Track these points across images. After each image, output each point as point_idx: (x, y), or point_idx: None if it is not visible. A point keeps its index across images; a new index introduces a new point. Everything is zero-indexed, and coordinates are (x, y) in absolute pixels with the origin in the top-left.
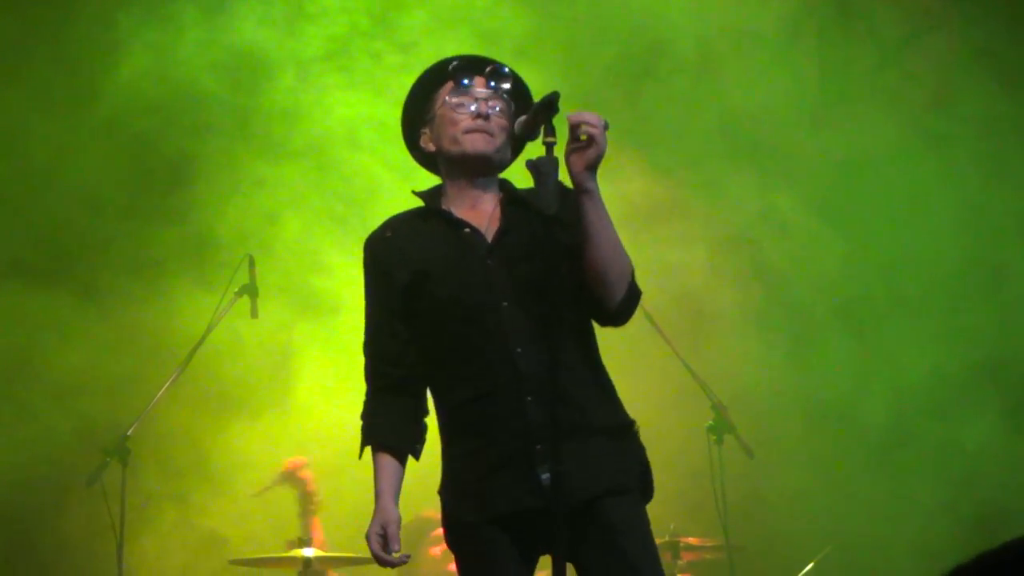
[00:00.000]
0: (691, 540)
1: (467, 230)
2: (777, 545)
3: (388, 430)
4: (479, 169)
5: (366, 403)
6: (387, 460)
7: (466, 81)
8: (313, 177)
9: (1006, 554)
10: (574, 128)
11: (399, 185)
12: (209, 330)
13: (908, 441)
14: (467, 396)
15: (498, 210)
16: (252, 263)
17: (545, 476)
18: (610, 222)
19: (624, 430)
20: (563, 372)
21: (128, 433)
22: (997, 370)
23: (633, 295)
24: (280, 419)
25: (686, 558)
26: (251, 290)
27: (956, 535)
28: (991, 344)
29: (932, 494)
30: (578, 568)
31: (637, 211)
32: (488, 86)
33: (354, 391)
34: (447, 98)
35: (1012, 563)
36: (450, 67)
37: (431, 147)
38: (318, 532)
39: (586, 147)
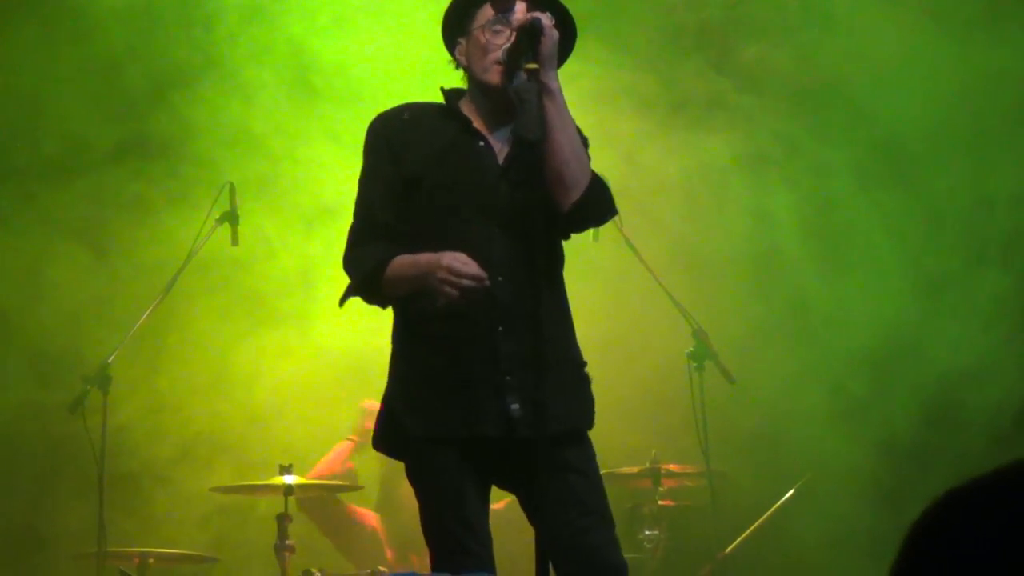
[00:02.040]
0: (672, 467)
1: (482, 143)
2: (758, 472)
3: (383, 250)
4: (503, 98)
5: (347, 253)
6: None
7: (504, 8)
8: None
9: (1000, 479)
10: (524, 27)
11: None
12: (189, 258)
13: (892, 362)
14: (439, 310)
15: (510, 136)
16: (233, 190)
17: (515, 407)
18: (571, 122)
19: (582, 367)
20: (538, 309)
21: (109, 360)
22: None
23: (592, 200)
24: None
25: (667, 485)
26: (231, 217)
27: (935, 460)
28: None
29: (912, 415)
30: (526, 500)
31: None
32: (525, 11)
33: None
34: (487, 22)
35: (1006, 489)
36: None
37: (464, 61)
38: (349, 464)
39: (538, 42)
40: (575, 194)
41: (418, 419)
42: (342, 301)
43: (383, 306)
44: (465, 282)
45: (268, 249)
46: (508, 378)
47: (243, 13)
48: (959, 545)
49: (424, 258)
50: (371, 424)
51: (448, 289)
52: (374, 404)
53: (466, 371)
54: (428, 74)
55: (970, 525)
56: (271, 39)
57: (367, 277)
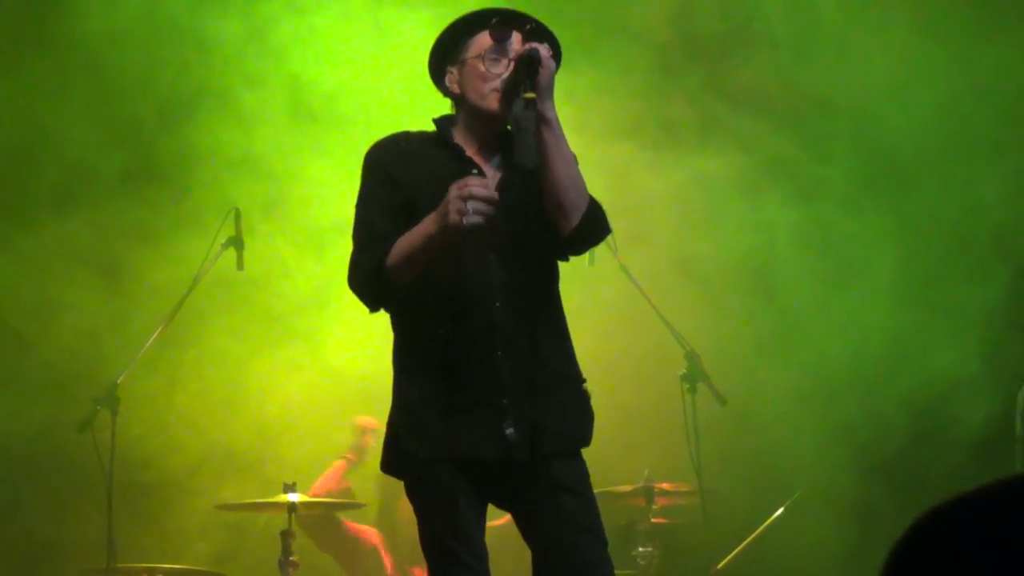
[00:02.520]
0: (665, 486)
1: (475, 172)
2: (749, 490)
3: (383, 248)
4: (499, 126)
5: (351, 270)
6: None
7: (499, 37)
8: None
9: (984, 498)
10: (523, 57)
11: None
12: (196, 282)
13: (882, 379)
14: (439, 334)
15: (501, 163)
16: (238, 215)
17: (510, 431)
18: (568, 150)
19: (582, 383)
20: (536, 331)
21: (118, 381)
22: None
23: (590, 224)
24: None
25: (660, 503)
26: (237, 242)
27: (923, 476)
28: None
29: (901, 433)
30: (521, 518)
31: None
32: (520, 41)
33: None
34: (485, 51)
35: (990, 507)
36: (492, 20)
37: (456, 89)
38: (345, 483)
39: (536, 72)
40: (575, 219)
41: (420, 441)
42: (373, 309)
43: (395, 303)
44: (482, 205)
45: (280, 269)
46: (506, 401)
47: (240, 42)
48: (942, 561)
49: (427, 218)
50: (366, 440)
51: (469, 215)
52: (368, 421)
53: (466, 395)
54: (416, 99)
55: (954, 542)
56: (268, 67)
57: (374, 270)
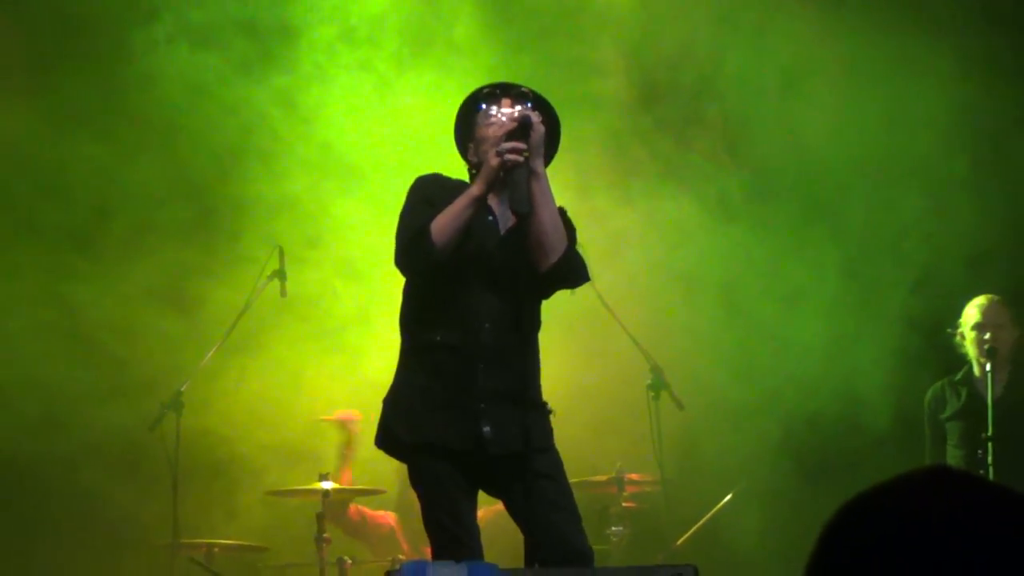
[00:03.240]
0: (633, 476)
1: (491, 218)
2: (703, 480)
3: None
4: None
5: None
6: None
7: (495, 107)
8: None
9: (897, 485)
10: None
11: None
12: (247, 307)
13: (813, 390)
14: (436, 340)
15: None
16: (281, 253)
17: (487, 429)
18: (552, 200)
19: (543, 405)
20: (517, 350)
21: (182, 388)
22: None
23: (565, 265)
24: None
25: (629, 490)
26: (280, 275)
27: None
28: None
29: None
30: (510, 504)
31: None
32: (513, 106)
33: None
34: (482, 118)
35: (902, 493)
36: (485, 91)
37: (474, 159)
38: (348, 473)
39: (528, 135)
40: (553, 258)
41: (405, 426)
42: (414, 270)
43: (431, 269)
44: (517, 146)
45: (328, 292)
46: (482, 406)
47: (278, 104)
48: (864, 538)
49: (469, 188)
50: (351, 430)
51: (510, 157)
52: (347, 414)
53: (450, 394)
54: (423, 148)
55: (873, 521)
56: (301, 125)
57: (419, 229)
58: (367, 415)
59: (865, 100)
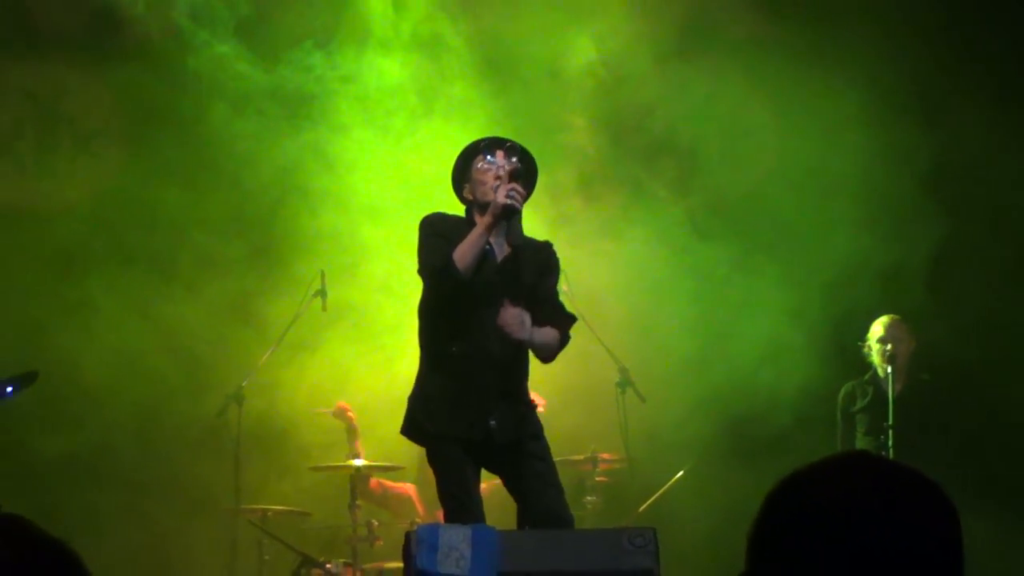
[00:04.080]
0: (605, 455)
1: (488, 247)
2: (661, 459)
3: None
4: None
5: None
6: None
7: (490, 156)
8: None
9: (829, 464)
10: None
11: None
12: (296, 317)
13: (753, 387)
14: (451, 351)
15: (506, 244)
16: (323, 275)
17: (493, 423)
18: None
19: (532, 402)
20: (515, 358)
21: (244, 384)
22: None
23: (555, 354)
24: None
25: (601, 467)
26: (322, 293)
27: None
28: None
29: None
30: (508, 480)
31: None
32: (506, 157)
33: None
34: (479, 165)
35: (833, 470)
36: (481, 144)
37: (469, 196)
38: (359, 450)
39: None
40: (548, 361)
41: (432, 421)
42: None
43: (455, 289)
44: (519, 188)
45: (372, 303)
46: (490, 403)
47: (305, 153)
48: (798, 507)
49: (482, 220)
50: (349, 417)
51: (513, 198)
52: (342, 404)
53: (467, 394)
54: (432, 186)
55: (805, 493)
56: (327, 169)
57: (444, 262)
58: (398, 404)
59: (797, 146)
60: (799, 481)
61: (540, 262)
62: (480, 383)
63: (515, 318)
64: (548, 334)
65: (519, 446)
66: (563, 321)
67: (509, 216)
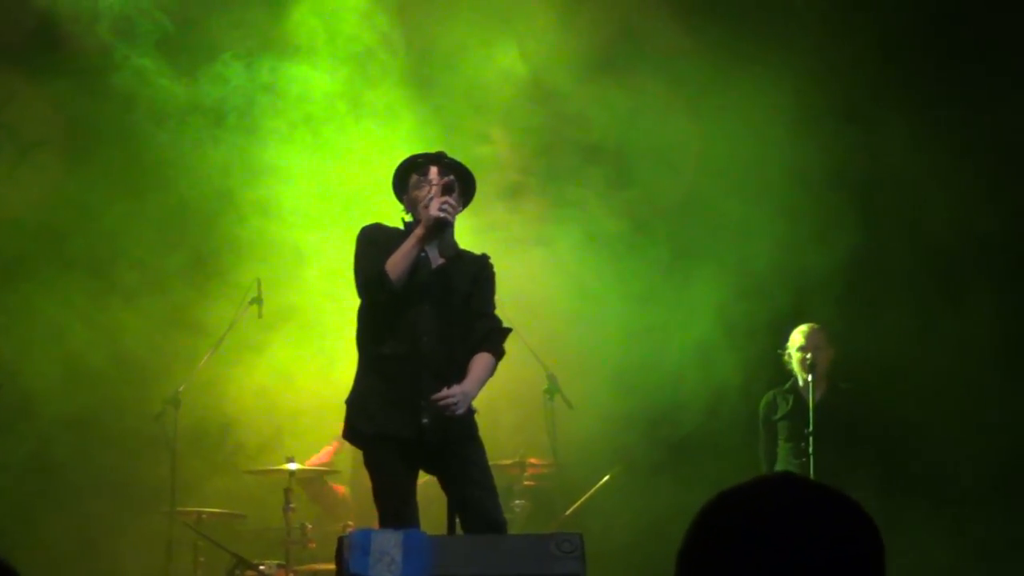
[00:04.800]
0: (533, 460)
1: (423, 254)
2: (587, 464)
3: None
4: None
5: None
6: None
7: (425, 173)
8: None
9: (753, 486)
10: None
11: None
12: (231, 326)
13: (675, 396)
14: (385, 352)
15: (440, 256)
16: (259, 283)
17: (425, 421)
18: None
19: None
20: (448, 359)
21: (180, 389)
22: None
23: (501, 355)
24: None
25: (530, 471)
26: (258, 300)
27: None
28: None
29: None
30: (442, 481)
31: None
32: (440, 173)
33: None
34: (414, 180)
35: (756, 492)
36: (418, 159)
37: (410, 207)
38: (330, 459)
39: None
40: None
41: (366, 421)
42: (374, 300)
43: (389, 298)
44: (450, 202)
45: (304, 310)
46: (423, 402)
47: (245, 166)
48: (726, 528)
49: (414, 232)
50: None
51: (444, 211)
52: (321, 458)
53: (399, 394)
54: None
55: (735, 514)
56: (265, 182)
57: (378, 272)
58: (335, 407)
59: (721, 154)
60: (726, 501)
61: (474, 272)
62: (413, 383)
63: (451, 400)
64: (482, 372)
65: (453, 447)
66: (498, 336)
67: (442, 229)
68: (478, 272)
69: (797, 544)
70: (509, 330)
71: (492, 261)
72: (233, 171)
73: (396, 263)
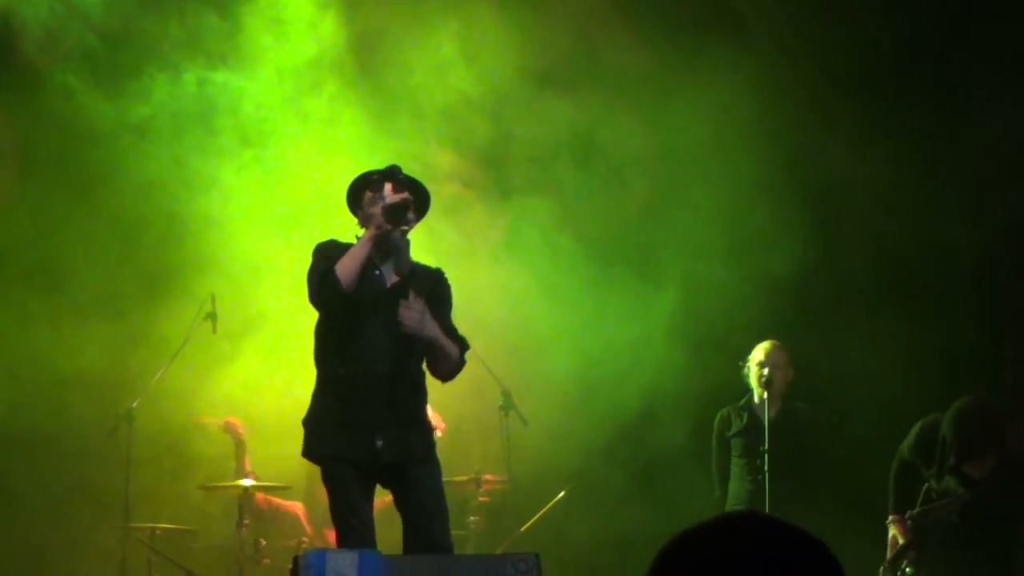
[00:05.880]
0: (488, 476)
1: (377, 272)
2: (542, 480)
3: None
4: (385, 242)
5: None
6: None
7: (379, 190)
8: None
9: (715, 525)
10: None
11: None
12: (185, 341)
13: (630, 414)
14: (341, 373)
15: (395, 274)
16: (213, 298)
17: (379, 443)
18: (444, 340)
19: (427, 423)
20: (403, 380)
21: (133, 405)
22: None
23: (460, 366)
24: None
25: (485, 488)
26: (212, 316)
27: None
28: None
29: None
30: (396, 502)
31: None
32: (394, 189)
33: None
34: (368, 196)
35: (717, 531)
36: (373, 176)
37: (363, 223)
38: (246, 465)
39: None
40: (450, 376)
41: (319, 442)
42: (325, 308)
43: (338, 306)
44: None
45: (257, 323)
46: (376, 424)
47: (202, 181)
48: (691, 565)
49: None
50: (238, 433)
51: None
52: (232, 420)
53: (353, 416)
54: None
55: (698, 551)
56: (218, 199)
57: (323, 273)
58: (289, 422)
59: (676, 172)
60: (690, 539)
61: (429, 288)
62: (367, 404)
63: (413, 315)
64: (446, 342)
65: (406, 470)
66: (458, 344)
67: (398, 245)
68: (432, 288)
69: None
70: (467, 344)
71: (446, 275)
72: (175, 185)
73: (345, 264)
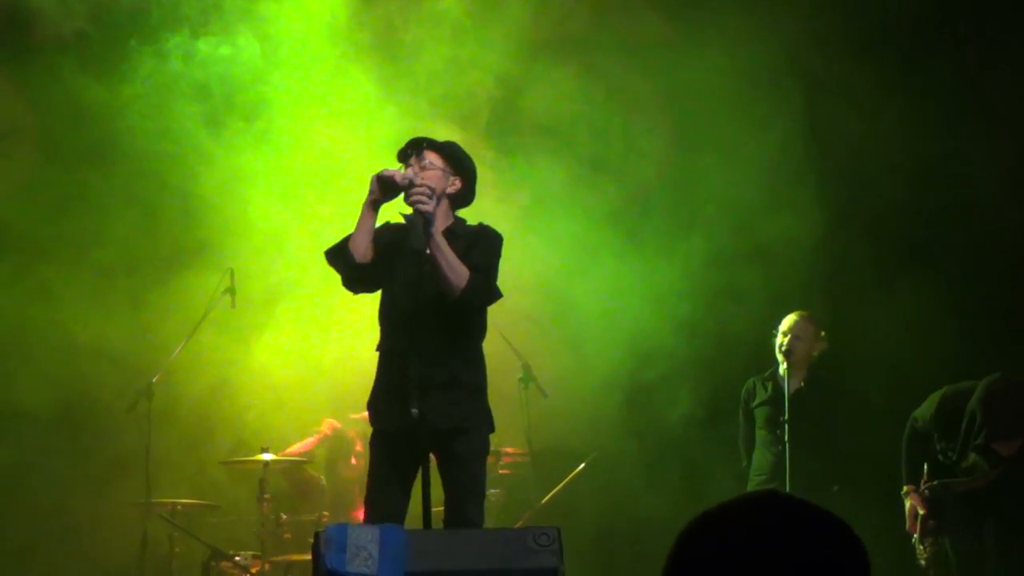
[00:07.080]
0: (508, 449)
1: (410, 248)
2: (562, 452)
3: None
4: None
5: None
6: None
7: (407, 160)
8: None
9: (737, 505)
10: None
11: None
12: (205, 315)
13: (649, 386)
14: (383, 348)
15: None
16: (232, 273)
17: (414, 411)
18: (446, 250)
19: (474, 387)
20: (436, 349)
21: (153, 380)
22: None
23: (470, 295)
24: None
25: (505, 460)
26: (231, 291)
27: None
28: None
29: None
30: (438, 471)
31: None
32: (417, 160)
33: None
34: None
35: (740, 511)
36: (406, 150)
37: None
38: (352, 460)
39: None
40: (456, 292)
41: (372, 415)
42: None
43: (358, 278)
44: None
45: (273, 298)
46: (414, 392)
47: (219, 168)
48: (712, 546)
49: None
50: (328, 432)
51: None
52: (332, 422)
53: (391, 384)
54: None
55: (719, 532)
56: (234, 180)
57: (338, 246)
58: (311, 395)
59: (691, 143)
60: (711, 520)
61: (467, 246)
62: (403, 375)
63: (421, 190)
64: (452, 258)
65: (446, 441)
66: (472, 271)
67: (413, 221)
68: (471, 243)
69: (781, 563)
70: (496, 294)
71: (490, 228)
72: (191, 158)
73: (352, 236)
